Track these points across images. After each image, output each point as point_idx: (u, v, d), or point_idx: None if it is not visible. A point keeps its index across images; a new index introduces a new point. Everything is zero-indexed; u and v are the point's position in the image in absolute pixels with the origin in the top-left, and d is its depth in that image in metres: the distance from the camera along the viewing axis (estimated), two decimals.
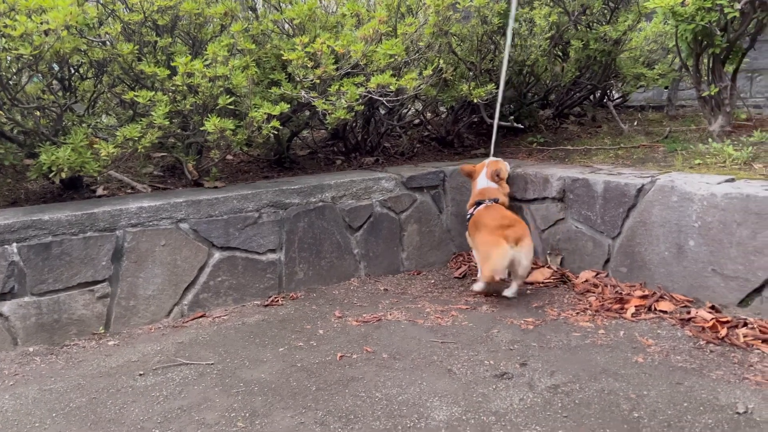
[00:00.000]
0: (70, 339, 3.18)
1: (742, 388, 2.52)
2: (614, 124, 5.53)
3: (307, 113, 4.21)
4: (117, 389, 2.69)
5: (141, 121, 3.38)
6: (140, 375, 2.82)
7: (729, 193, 3.17)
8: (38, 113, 3.53)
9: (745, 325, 3.02)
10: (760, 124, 4.77)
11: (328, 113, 3.55)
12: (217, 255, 3.56)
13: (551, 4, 4.79)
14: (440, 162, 4.76)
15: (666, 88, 5.78)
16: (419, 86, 3.71)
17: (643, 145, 4.62)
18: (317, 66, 3.45)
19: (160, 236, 3.36)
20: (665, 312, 3.30)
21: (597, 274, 3.81)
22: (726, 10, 3.97)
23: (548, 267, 4.06)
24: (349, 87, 3.60)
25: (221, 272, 3.58)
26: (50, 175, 3.26)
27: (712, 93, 4.33)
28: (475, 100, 4.24)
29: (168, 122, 3.31)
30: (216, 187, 3.75)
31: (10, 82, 3.35)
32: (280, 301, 3.71)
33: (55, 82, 3.68)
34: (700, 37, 4.27)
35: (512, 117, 5.10)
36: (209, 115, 3.28)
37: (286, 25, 4.15)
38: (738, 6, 3.91)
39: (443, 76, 4.30)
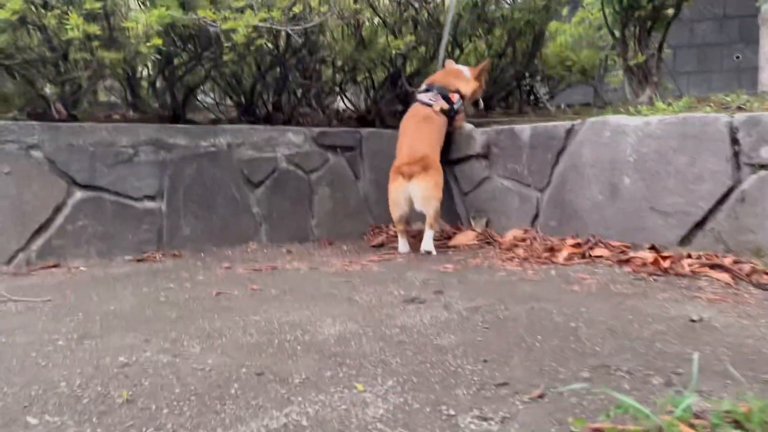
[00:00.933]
0: None
1: (694, 305, 2.12)
2: (542, 112, 5.31)
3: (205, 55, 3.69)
4: None
5: None
6: None
7: (664, 118, 2.88)
8: None
9: (689, 257, 2.66)
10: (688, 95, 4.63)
11: (230, 33, 3.04)
12: (79, 194, 2.95)
13: None
14: None
15: (592, 78, 5.65)
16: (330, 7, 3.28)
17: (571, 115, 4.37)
18: None
19: (3, 162, 2.74)
20: (601, 257, 2.91)
21: (525, 232, 3.41)
22: None
23: (472, 230, 3.64)
24: (249, 15, 3.15)
25: (83, 216, 2.95)
26: None
27: (640, 61, 4.16)
28: (394, 52, 3.88)
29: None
30: None
31: None
32: (158, 258, 3.10)
33: None
34: (625, 1, 4.13)
35: None
36: (69, 11, 2.72)
37: None
38: None
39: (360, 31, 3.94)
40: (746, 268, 2.42)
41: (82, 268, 2.86)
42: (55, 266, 2.85)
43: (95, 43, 2.82)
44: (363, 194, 3.97)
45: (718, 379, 1.43)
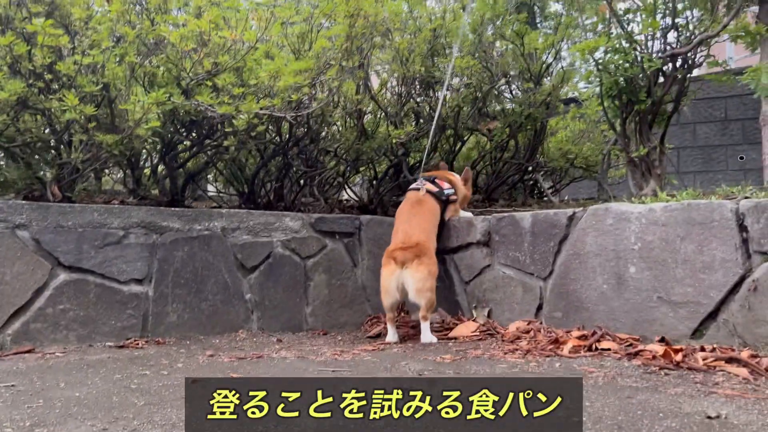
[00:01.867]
0: None
1: (710, 400, 1.93)
2: (546, 205, 5.26)
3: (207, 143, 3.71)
4: None
5: None
6: None
7: (669, 205, 2.80)
8: None
9: (703, 350, 2.47)
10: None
11: (231, 119, 3.05)
12: (63, 276, 2.85)
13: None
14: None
15: (596, 173, 5.64)
16: (331, 93, 3.31)
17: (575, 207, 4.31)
18: (207, 55, 3.01)
19: None
20: (608, 350, 2.73)
21: (529, 323, 3.24)
22: (645, 65, 3.91)
23: (474, 321, 3.47)
24: (251, 101, 3.18)
25: (66, 299, 2.84)
26: None
27: (642, 153, 4.15)
28: (394, 141, 3.89)
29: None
30: None
31: None
32: (140, 345, 2.94)
33: None
34: (624, 96, 4.18)
35: None
36: (65, 94, 2.74)
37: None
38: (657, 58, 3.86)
39: (362, 121, 3.98)
40: (765, 362, 2.24)
41: (58, 354, 2.70)
42: (29, 351, 2.70)
43: (91, 124, 2.83)
44: (361, 282, 3.85)
45: None
